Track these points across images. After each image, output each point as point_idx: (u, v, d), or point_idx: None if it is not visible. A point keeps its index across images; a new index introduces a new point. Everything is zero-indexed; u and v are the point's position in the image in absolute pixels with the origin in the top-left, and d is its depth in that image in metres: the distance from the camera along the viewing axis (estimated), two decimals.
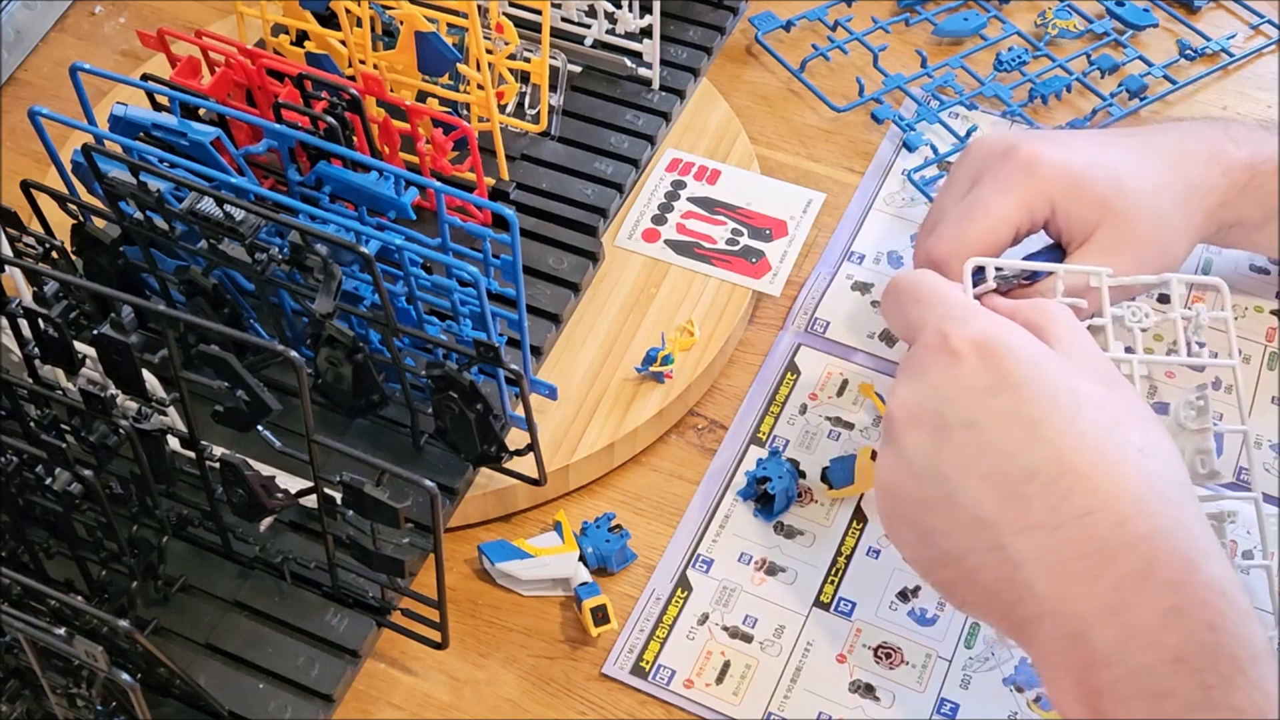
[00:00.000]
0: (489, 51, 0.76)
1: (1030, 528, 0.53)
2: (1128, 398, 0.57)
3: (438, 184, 0.63)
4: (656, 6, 0.82)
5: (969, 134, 0.87)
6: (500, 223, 0.66)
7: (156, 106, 0.71)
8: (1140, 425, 0.56)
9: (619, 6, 0.84)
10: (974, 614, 0.57)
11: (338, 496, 0.58)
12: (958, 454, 0.55)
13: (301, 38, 0.81)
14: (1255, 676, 0.49)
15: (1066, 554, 0.52)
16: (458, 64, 0.76)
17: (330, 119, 0.68)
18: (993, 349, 0.56)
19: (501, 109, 0.80)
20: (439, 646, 0.64)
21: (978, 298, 0.65)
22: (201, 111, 0.70)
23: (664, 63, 0.86)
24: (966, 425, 0.55)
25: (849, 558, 0.69)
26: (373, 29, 0.76)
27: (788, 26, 0.94)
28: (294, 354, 0.54)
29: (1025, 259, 0.70)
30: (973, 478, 0.55)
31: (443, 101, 0.79)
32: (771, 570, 0.69)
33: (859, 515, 0.71)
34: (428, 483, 0.55)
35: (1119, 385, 0.58)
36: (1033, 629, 0.54)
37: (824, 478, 0.71)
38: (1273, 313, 0.78)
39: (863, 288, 0.80)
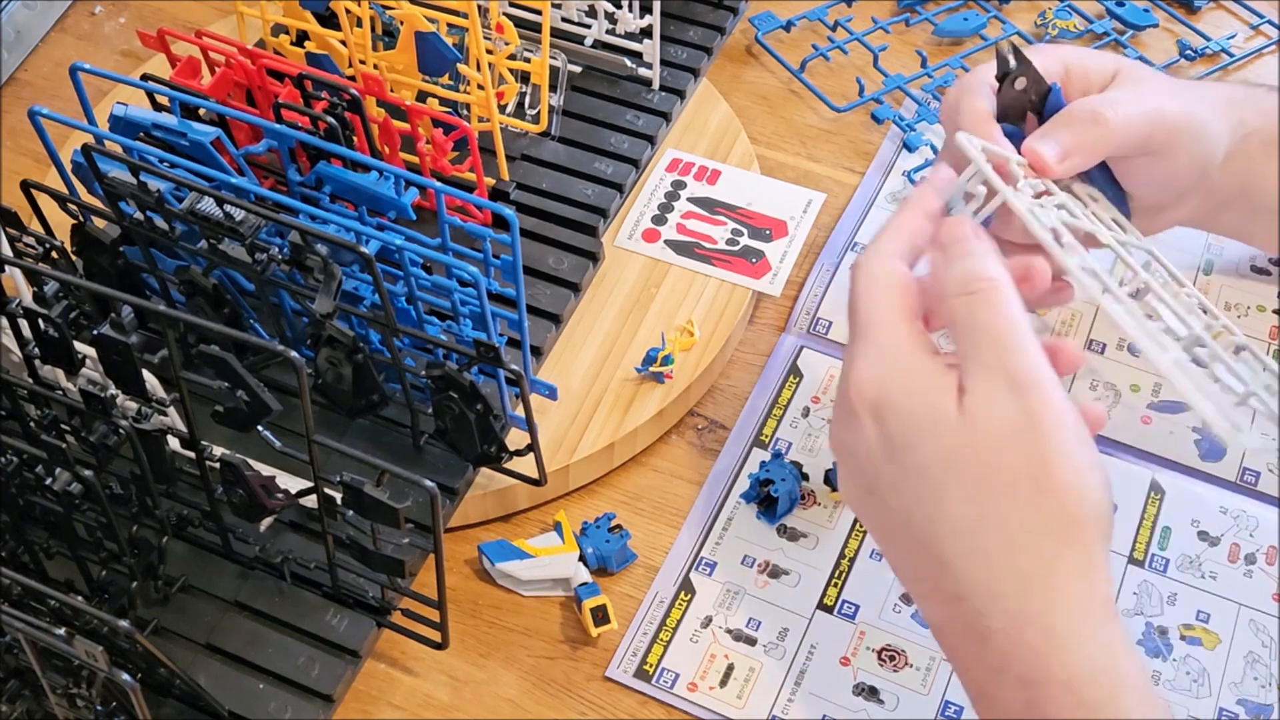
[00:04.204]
0: (489, 51, 0.76)
1: (925, 597, 0.55)
2: (1018, 449, 0.51)
3: (438, 184, 0.63)
4: (656, 6, 0.82)
5: None
6: (500, 223, 0.66)
7: (156, 106, 0.71)
8: (1006, 500, 0.52)
9: (619, 6, 0.84)
10: None
11: (338, 496, 0.58)
12: (871, 514, 0.57)
13: (301, 38, 0.81)
14: None
15: (952, 632, 0.54)
16: (458, 64, 0.76)
17: (330, 119, 0.68)
18: (881, 411, 0.54)
19: (501, 109, 0.80)
20: (439, 647, 0.64)
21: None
22: (201, 111, 0.70)
23: (664, 63, 0.86)
24: (870, 490, 0.56)
25: (852, 560, 0.69)
26: (373, 29, 0.76)
27: (788, 26, 0.94)
28: (294, 354, 0.54)
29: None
30: (883, 536, 0.57)
31: (443, 101, 0.79)
32: (775, 573, 0.69)
33: None
34: (428, 483, 0.55)
35: (1008, 437, 0.51)
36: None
37: (827, 480, 0.71)
38: (1275, 312, 0.78)
39: None
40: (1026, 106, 0.64)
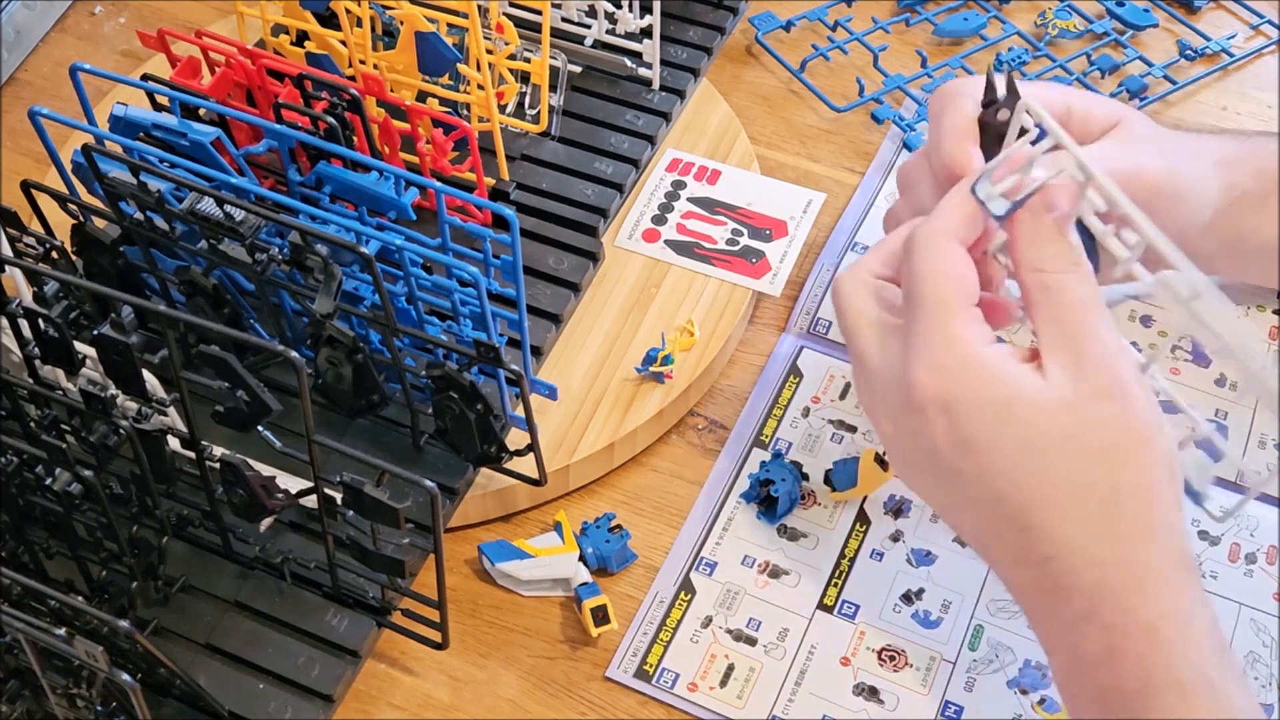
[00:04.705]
0: (489, 51, 0.76)
1: (1004, 563, 0.57)
2: (1105, 420, 0.54)
3: (438, 184, 0.63)
4: (656, 6, 0.82)
5: None
6: (500, 223, 0.66)
7: (156, 106, 0.71)
8: (1106, 461, 0.54)
9: (619, 6, 0.84)
10: None
11: (338, 497, 0.58)
12: (938, 498, 0.59)
13: (301, 38, 0.81)
14: (1184, 710, 0.51)
15: (1032, 590, 0.56)
16: (458, 64, 0.76)
17: (330, 119, 0.68)
18: (952, 406, 0.55)
19: (501, 109, 0.80)
20: (439, 647, 0.64)
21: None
22: (201, 111, 0.70)
23: (664, 63, 0.86)
24: (938, 481, 0.57)
25: (852, 560, 0.69)
26: (373, 29, 0.76)
27: (788, 26, 0.94)
28: (294, 354, 0.54)
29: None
30: (953, 515, 0.58)
31: (443, 101, 0.79)
32: (775, 573, 0.69)
33: (862, 518, 0.71)
34: (428, 483, 0.55)
35: (1102, 401, 0.54)
36: None
37: (827, 480, 0.71)
38: (1275, 312, 0.78)
39: None
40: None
